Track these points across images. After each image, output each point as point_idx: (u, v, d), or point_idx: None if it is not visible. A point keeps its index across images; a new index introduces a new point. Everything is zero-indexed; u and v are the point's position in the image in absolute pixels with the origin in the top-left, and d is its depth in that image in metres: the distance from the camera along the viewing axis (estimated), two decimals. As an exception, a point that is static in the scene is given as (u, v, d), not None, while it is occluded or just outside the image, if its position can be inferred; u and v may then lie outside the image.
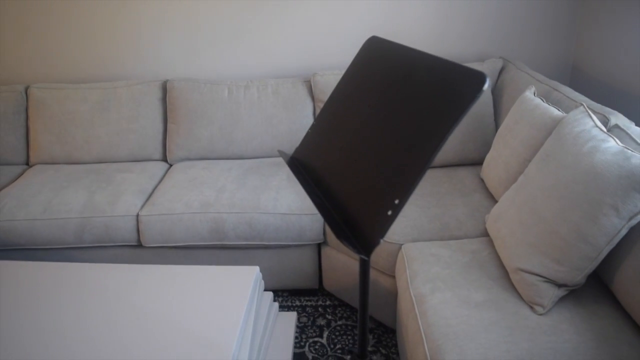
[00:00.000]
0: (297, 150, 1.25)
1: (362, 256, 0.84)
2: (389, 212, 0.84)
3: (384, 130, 0.95)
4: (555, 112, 1.88)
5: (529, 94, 2.10)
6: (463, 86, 0.80)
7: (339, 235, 0.89)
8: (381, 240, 0.80)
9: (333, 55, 3.00)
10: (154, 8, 2.90)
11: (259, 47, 2.99)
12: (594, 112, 1.83)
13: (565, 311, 1.53)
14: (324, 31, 2.94)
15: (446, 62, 0.87)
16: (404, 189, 0.83)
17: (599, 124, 1.64)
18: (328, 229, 2.32)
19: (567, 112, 1.94)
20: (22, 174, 2.82)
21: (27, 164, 2.95)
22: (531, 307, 1.55)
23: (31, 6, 2.90)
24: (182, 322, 1.63)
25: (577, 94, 2.07)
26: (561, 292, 1.55)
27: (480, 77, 0.78)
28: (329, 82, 2.75)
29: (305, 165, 1.18)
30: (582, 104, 1.75)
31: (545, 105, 1.95)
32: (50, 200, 2.43)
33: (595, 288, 1.63)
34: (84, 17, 2.92)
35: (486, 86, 0.76)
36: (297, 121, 2.80)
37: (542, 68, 2.99)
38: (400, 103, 0.94)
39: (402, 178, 0.84)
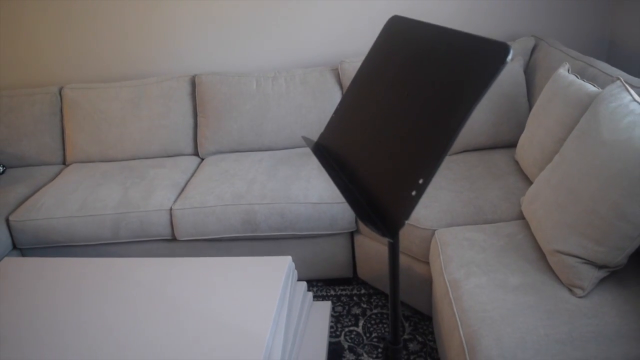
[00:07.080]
0: (322, 135, 1.23)
1: (387, 238, 0.82)
2: (413, 193, 0.81)
3: (407, 110, 0.92)
4: (591, 88, 1.81)
5: (563, 71, 2.03)
6: (486, 58, 0.77)
7: (364, 218, 0.87)
8: (406, 222, 0.78)
9: (360, 41, 2.96)
10: (181, 5, 2.91)
11: (286, 38, 2.98)
12: (632, 86, 1.75)
13: (607, 293, 1.48)
14: (350, 17, 2.90)
15: (468, 36, 0.84)
16: (428, 168, 0.80)
17: (637, 98, 1.57)
18: (360, 217, 2.30)
19: (603, 87, 1.86)
20: (59, 173, 2.89)
21: (64, 163, 3.01)
22: (570, 290, 1.51)
23: (63, 11, 2.95)
24: (216, 312, 1.64)
25: (613, 68, 1.99)
26: (602, 274, 1.49)
27: (503, 48, 0.75)
28: (356, 68, 2.72)
29: (330, 150, 1.16)
30: (618, 78, 1.68)
31: (580, 81, 1.88)
32: (86, 197, 2.48)
33: (638, 269, 1.57)
34: (112, 18, 2.96)
35: (510, 57, 0.73)
36: (326, 110, 2.77)
37: (577, 45, 2.88)
38: (422, 80, 0.91)
39: (426, 157, 0.82)
